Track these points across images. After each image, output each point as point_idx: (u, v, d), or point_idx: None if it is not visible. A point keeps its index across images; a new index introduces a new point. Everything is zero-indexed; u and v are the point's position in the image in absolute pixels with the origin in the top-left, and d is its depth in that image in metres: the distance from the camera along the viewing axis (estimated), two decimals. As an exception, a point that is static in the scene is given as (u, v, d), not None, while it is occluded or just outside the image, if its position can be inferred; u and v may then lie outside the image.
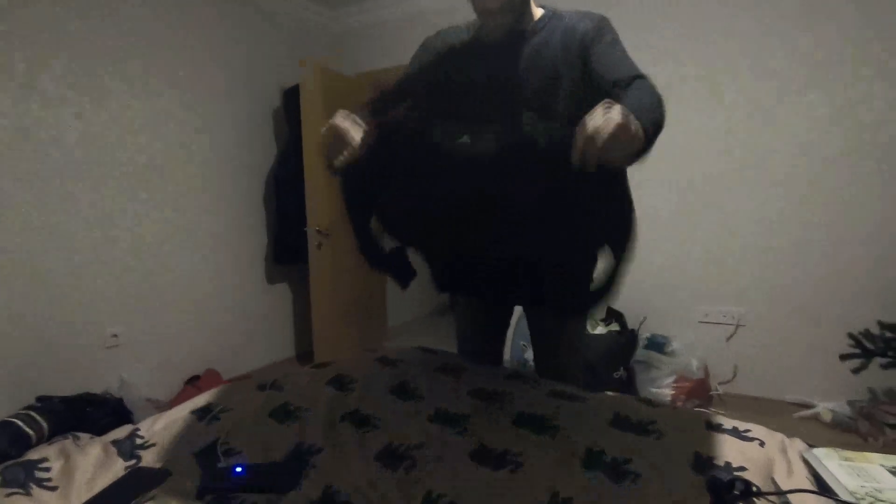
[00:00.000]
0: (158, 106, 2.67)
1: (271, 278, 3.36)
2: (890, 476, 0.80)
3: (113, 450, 0.98)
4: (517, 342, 2.78)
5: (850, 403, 2.33)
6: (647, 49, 2.58)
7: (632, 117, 0.82)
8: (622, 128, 0.79)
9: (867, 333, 2.07)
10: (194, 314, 2.89)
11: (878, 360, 2.02)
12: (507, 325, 1.54)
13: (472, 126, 1.12)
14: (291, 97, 3.20)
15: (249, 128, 3.16)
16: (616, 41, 1.13)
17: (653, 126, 0.92)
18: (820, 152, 2.40)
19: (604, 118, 0.79)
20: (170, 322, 2.77)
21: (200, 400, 1.21)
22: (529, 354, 2.66)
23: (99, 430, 1.17)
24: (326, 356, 3.11)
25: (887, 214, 2.29)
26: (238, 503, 0.84)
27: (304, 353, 3.49)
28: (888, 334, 2.02)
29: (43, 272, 2.27)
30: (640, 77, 1.05)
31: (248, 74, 3.13)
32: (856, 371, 2.04)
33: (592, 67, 1.10)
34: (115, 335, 2.54)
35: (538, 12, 1.20)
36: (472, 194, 1.01)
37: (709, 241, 2.67)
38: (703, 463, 0.89)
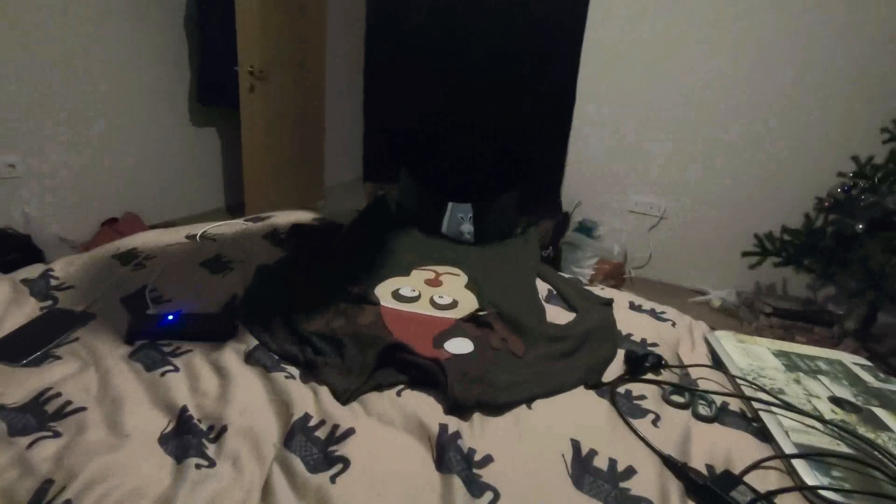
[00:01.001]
0: None
1: (196, 121, 3.04)
2: (773, 357, 0.93)
3: (24, 289, 0.91)
4: (455, 215, 2.81)
5: (738, 294, 2.66)
6: None
7: None
8: None
9: (769, 235, 2.29)
10: (109, 150, 2.60)
11: (773, 260, 2.27)
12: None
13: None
14: None
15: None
16: None
17: None
18: (757, 46, 2.39)
19: None
20: (77, 159, 2.48)
21: (124, 244, 1.12)
22: (466, 227, 2.71)
23: (5, 270, 1.07)
24: (258, 208, 2.99)
25: (821, 124, 2.41)
26: (171, 350, 0.83)
27: (235, 206, 3.34)
28: (787, 237, 2.25)
29: None
30: None
31: None
32: (752, 267, 2.29)
33: None
34: (12, 165, 2.25)
35: None
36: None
37: (646, 136, 2.71)
38: (623, 338, 0.99)
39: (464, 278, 1.14)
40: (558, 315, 1.04)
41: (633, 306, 1.12)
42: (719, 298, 2.68)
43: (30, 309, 0.86)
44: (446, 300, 1.02)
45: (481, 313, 0.97)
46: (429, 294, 1.04)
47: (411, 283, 1.09)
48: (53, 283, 0.95)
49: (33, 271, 0.97)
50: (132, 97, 2.66)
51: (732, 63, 2.47)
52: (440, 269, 1.18)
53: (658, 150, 2.72)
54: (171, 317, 0.92)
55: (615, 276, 2.71)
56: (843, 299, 2.36)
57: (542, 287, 1.17)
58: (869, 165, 2.09)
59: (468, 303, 1.02)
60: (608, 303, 1.09)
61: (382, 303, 1.00)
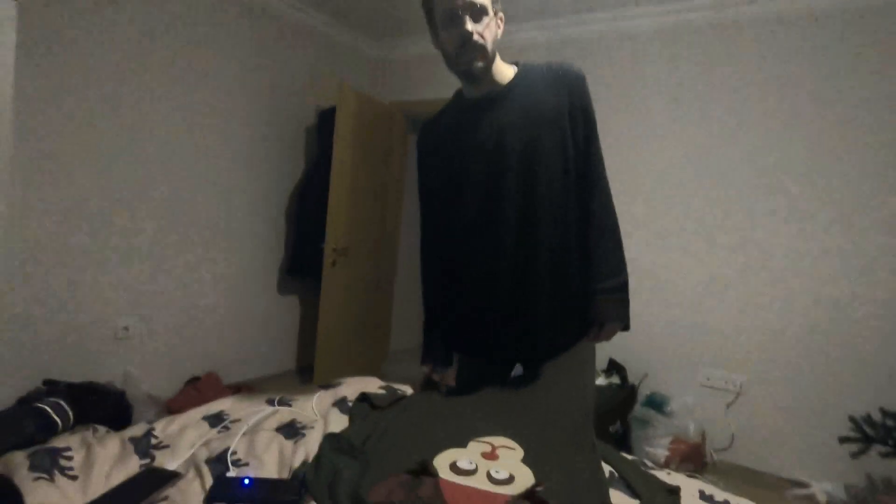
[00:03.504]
0: (193, 110, 2.79)
1: (283, 289, 3.42)
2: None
3: (130, 446, 1.02)
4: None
5: (847, 488, 2.31)
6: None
7: (617, 326, 1.29)
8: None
9: (868, 419, 2.08)
10: (204, 315, 2.94)
11: (878, 448, 2.01)
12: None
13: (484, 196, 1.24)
14: (326, 118, 3.32)
15: (282, 143, 3.28)
16: (592, 117, 1.25)
17: (628, 302, 1.29)
18: (831, 234, 2.44)
19: (602, 338, 1.30)
20: (179, 320, 2.82)
21: (214, 407, 1.25)
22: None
23: (97, 422, 1.21)
24: (326, 372, 3.13)
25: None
26: (244, 515, 0.87)
27: (304, 368, 3.52)
28: (889, 422, 2.02)
29: (67, 256, 2.34)
30: (605, 199, 1.27)
31: (286, 92, 3.26)
32: (854, 456, 2.04)
33: (572, 127, 1.21)
34: (126, 328, 2.59)
35: (509, 70, 1.27)
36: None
37: (718, 307, 2.69)
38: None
39: (520, 452, 1.13)
40: (620, 502, 0.99)
41: (703, 496, 1.05)
42: (825, 493, 2.33)
43: (132, 465, 0.97)
44: (503, 475, 1.02)
45: (538, 489, 0.96)
46: (486, 468, 1.05)
47: (469, 455, 1.10)
48: (153, 441, 1.06)
49: (139, 430, 1.10)
50: (237, 272, 3.09)
51: (800, 226, 2.54)
52: (496, 441, 1.18)
53: (725, 318, 2.68)
54: (246, 481, 0.99)
55: (694, 458, 2.47)
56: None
57: (604, 469, 1.13)
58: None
59: (524, 478, 1.01)
60: (675, 490, 1.03)
61: (441, 475, 1.01)
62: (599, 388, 2.61)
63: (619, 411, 2.58)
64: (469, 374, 1.43)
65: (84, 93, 2.32)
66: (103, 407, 2.22)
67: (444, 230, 1.35)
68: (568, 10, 2.94)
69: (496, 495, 0.95)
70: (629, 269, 1.30)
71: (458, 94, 1.34)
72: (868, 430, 2.05)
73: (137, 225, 2.58)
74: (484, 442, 1.16)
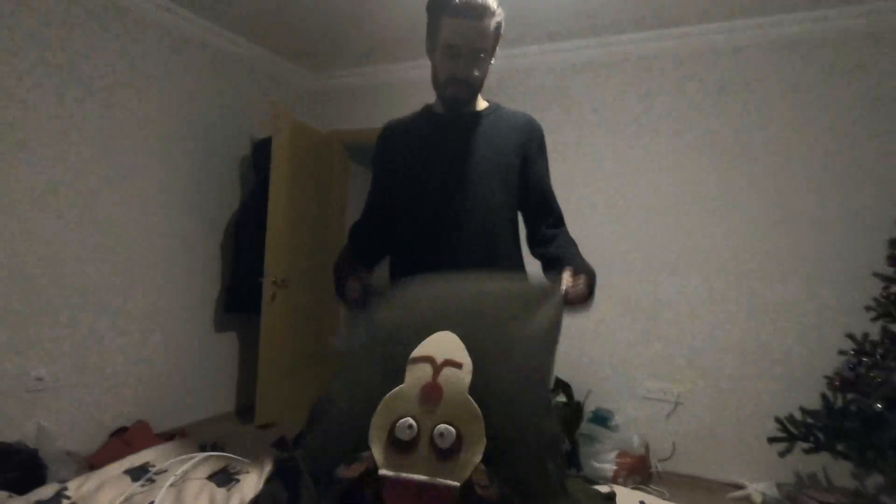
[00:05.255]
0: (119, 147, 2.65)
1: (220, 326, 3.25)
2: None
3: (36, 511, 0.92)
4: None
5: (779, 486, 2.44)
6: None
7: (591, 284, 1.18)
8: (586, 297, 1.15)
9: (791, 418, 2.22)
10: (131, 359, 2.74)
11: (802, 445, 2.15)
12: None
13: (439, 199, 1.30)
14: (261, 148, 3.25)
15: (215, 175, 3.17)
16: (547, 164, 1.39)
17: (593, 282, 1.21)
18: (752, 243, 2.65)
19: (575, 291, 1.12)
20: (103, 367, 2.60)
21: (137, 458, 1.15)
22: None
23: (5, 487, 1.08)
24: (268, 411, 2.98)
25: (812, 304, 2.52)
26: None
27: (244, 408, 3.33)
28: (809, 420, 2.17)
29: (-30, 306, 2.13)
30: (559, 218, 1.36)
31: (218, 122, 3.17)
32: (782, 454, 2.16)
33: (527, 170, 1.34)
34: (40, 378, 2.36)
35: (483, 102, 1.39)
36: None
37: (655, 322, 2.82)
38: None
39: (468, 369, 0.94)
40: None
41: (646, 507, 1.08)
42: (760, 493, 2.45)
43: (38, 534, 0.87)
44: (448, 439, 0.87)
45: (481, 475, 0.88)
46: (428, 429, 0.88)
47: (408, 404, 0.91)
48: (65, 502, 0.96)
49: (48, 491, 0.99)
50: (169, 311, 2.91)
51: (729, 247, 2.72)
52: (439, 350, 0.96)
53: (662, 332, 2.80)
54: (172, 538, 0.91)
55: (640, 470, 2.54)
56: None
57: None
58: (867, 342, 2.14)
59: (474, 438, 0.88)
60: (611, 497, 1.05)
61: (381, 468, 0.87)
62: (547, 407, 2.63)
63: (567, 429, 2.62)
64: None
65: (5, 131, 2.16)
66: (10, 468, 1.99)
67: (398, 225, 1.39)
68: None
69: (441, 489, 0.84)
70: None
71: (428, 107, 1.42)
72: (792, 428, 2.18)
73: (53, 263, 2.39)
74: (424, 361, 0.95)
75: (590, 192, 2.98)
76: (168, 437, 2.66)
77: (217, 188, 3.18)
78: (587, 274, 1.18)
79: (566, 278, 1.13)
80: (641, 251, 2.86)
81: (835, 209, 2.50)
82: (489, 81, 1.33)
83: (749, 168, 2.66)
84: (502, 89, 3.07)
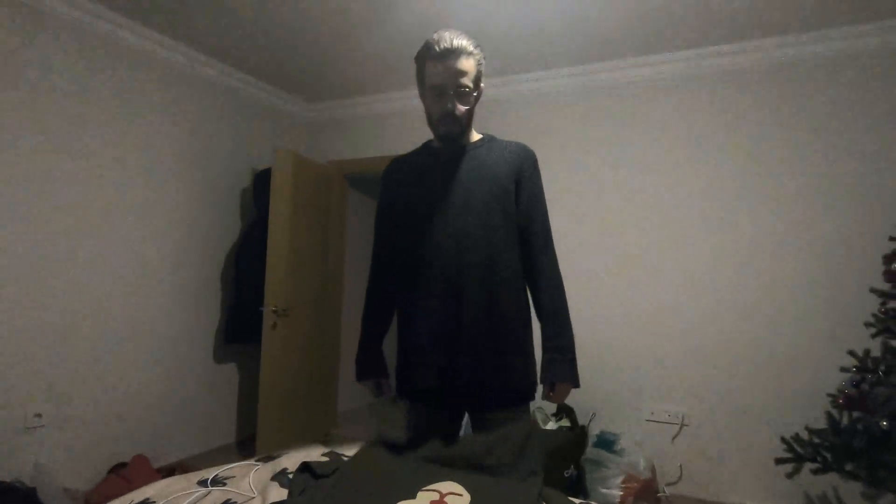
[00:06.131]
0: (119, 178, 2.70)
1: (220, 357, 3.24)
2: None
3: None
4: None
5: (789, 508, 2.40)
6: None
7: (568, 386, 1.37)
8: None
9: (797, 438, 2.19)
10: (130, 393, 2.72)
11: (809, 466, 2.12)
12: (457, 431, 1.53)
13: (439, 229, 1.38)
14: (261, 179, 3.30)
15: (217, 206, 3.21)
16: (541, 189, 1.46)
17: (574, 361, 1.39)
18: (752, 264, 2.66)
19: (556, 399, 1.38)
20: (100, 401, 2.59)
21: (137, 495, 1.14)
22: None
23: None
24: (269, 443, 2.95)
25: (813, 322, 2.52)
26: None
27: (246, 440, 3.29)
28: (815, 439, 2.14)
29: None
30: (546, 241, 1.42)
31: (219, 153, 3.23)
32: (789, 475, 2.12)
33: (519, 197, 1.41)
34: (39, 415, 2.34)
35: (477, 135, 1.48)
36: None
37: (658, 343, 2.81)
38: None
39: (468, 497, 1.11)
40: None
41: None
42: (769, 516, 2.41)
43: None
44: None
45: None
46: None
47: None
48: (63, 543, 0.95)
49: (46, 532, 0.98)
50: (169, 343, 2.90)
51: (728, 268, 2.73)
52: (444, 487, 1.15)
53: (663, 353, 2.79)
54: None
55: (647, 495, 2.49)
56: (908, 509, 2.12)
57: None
58: (869, 359, 2.13)
59: None
60: None
61: None
62: (550, 432, 2.61)
63: (572, 455, 2.58)
64: (418, 426, 1.45)
65: (12, 165, 2.20)
66: (7, 509, 1.97)
67: (397, 257, 1.48)
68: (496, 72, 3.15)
69: None
70: (573, 314, 1.41)
71: (428, 143, 1.53)
72: (798, 449, 2.15)
73: (49, 296, 2.40)
74: (432, 490, 1.13)
75: (591, 212, 3.01)
76: (168, 471, 2.63)
77: (218, 218, 3.22)
78: (562, 375, 1.36)
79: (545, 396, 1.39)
80: (644, 272, 2.87)
81: (831, 227, 2.53)
82: (482, 111, 1.39)
83: (748, 190, 2.69)
84: (495, 116, 3.14)
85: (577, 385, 1.38)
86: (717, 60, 2.75)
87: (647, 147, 2.91)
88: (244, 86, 3.35)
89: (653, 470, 2.62)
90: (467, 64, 1.33)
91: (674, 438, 2.73)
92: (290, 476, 1.33)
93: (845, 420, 2.11)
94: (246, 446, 3.22)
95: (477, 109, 1.44)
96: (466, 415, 1.50)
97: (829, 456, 2.07)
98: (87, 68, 2.51)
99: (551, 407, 2.81)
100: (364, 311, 1.56)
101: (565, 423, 2.70)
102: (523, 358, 1.39)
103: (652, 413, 2.78)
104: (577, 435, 2.63)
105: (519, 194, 1.41)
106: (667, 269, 2.82)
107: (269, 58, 3.08)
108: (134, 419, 2.73)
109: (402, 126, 3.42)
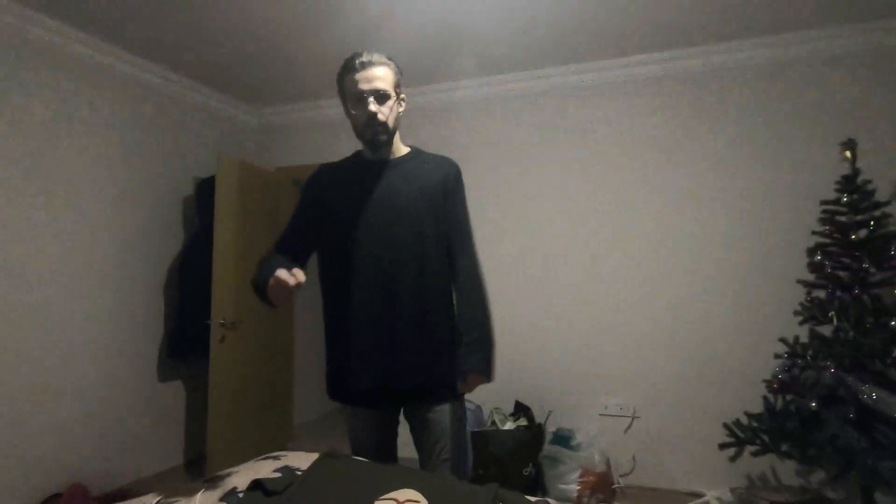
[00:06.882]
0: (55, 188, 2.52)
1: (164, 375, 3.08)
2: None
3: None
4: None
5: (733, 491, 2.53)
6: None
7: (479, 377, 1.44)
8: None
9: (738, 423, 2.31)
10: (65, 416, 2.53)
11: (749, 449, 2.24)
12: (395, 426, 1.58)
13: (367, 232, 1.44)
14: (204, 187, 3.17)
15: (157, 215, 3.06)
16: (463, 198, 1.55)
17: (488, 356, 1.47)
18: (689, 261, 2.79)
19: (465, 389, 1.47)
20: (31, 427, 2.40)
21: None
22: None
23: None
24: (221, 462, 2.82)
25: (747, 313, 2.68)
26: None
27: (195, 460, 3.14)
28: (754, 423, 2.27)
29: None
30: (469, 248, 1.51)
31: (159, 161, 3.08)
32: (732, 459, 2.24)
33: (446, 210, 1.49)
34: (-42, 448, 2.15)
35: (405, 148, 1.55)
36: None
37: (608, 339, 2.90)
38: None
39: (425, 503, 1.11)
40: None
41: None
42: (716, 499, 2.53)
43: None
44: None
45: None
46: None
47: None
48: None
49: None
50: (106, 360, 2.73)
51: (665, 264, 2.85)
52: (401, 495, 1.15)
53: (611, 349, 2.89)
54: None
55: (603, 488, 2.56)
56: (836, 483, 2.28)
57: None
58: (798, 345, 2.28)
59: None
60: None
61: None
62: (508, 432, 2.64)
63: (530, 453, 2.62)
64: (358, 426, 1.54)
65: None
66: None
67: (330, 264, 1.51)
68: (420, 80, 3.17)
69: None
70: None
71: (358, 153, 1.57)
72: (739, 433, 2.28)
73: (-27, 322, 2.21)
74: (389, 499, 1.12)
75: (530, 216, 3.08)
76: (108, 499, 2.47)
77: (159, 229, 3.06)
78: (472, 367, 1.43)
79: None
80: (586, 273, 2.96)
81: (761, 223, 2.69)
82: (410, 120, 1.40)
83: (683, 189, 2.83)
84: (426, 124, 3.17)
85: (488, 378, 1.46)
86: (645, 68, 2.89)
87: (576, 150, 3.01)
88: (187, 91, 3.21)
89: (608, 463, 2.69)
90: (384, 71, 1.42)
91: (626, 430, 2.82)
92: (241, 495, 1.28)
93: (780, 404, 2.25)
94: (195, 467, 3.07)
95: (403, 119, 1.50)
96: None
97: (766, 438, 2.20)
98: (12, 71, 2.33)
99: (509, 407, 2.85)
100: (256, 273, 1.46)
101: (522, 422, 2.74)
102: (453, 357, 1.47)
103: (605, 407, 2.86)
104: (534, 433, 2.68)
105: (444, 204, 1.49)
106: (607, 268, 2.93)
107: (212, 63, 2.97)
108: (69, 445, 2.55)
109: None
